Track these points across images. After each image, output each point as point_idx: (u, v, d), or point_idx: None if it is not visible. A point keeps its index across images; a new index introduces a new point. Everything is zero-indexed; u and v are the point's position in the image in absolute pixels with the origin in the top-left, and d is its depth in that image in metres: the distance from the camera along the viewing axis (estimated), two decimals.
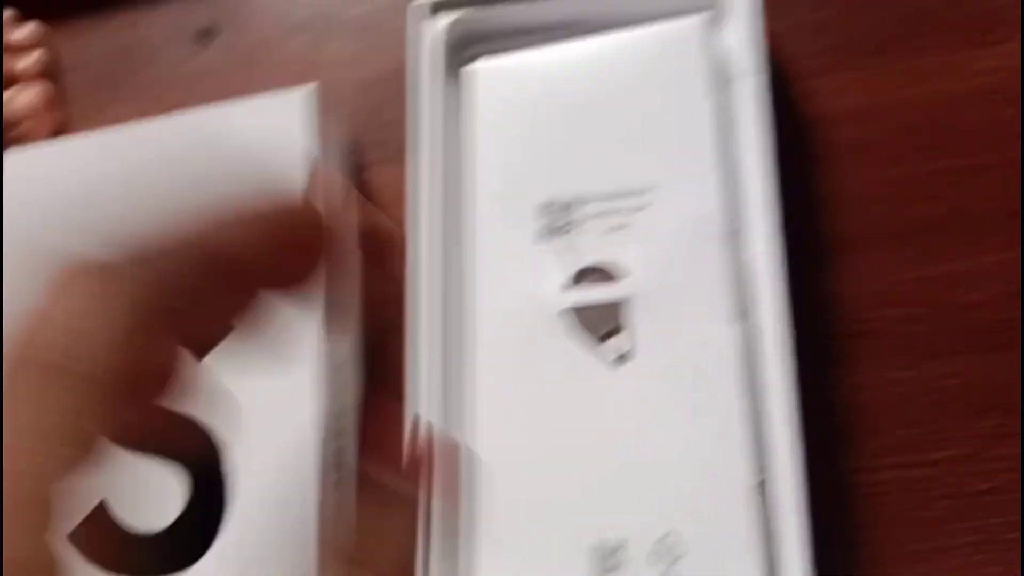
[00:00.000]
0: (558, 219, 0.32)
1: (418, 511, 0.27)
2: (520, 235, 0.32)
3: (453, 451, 0.28)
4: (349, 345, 0.34)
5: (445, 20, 0.36)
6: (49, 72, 0.44)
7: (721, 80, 0.33)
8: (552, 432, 0.29)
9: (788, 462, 0.28)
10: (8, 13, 0.45)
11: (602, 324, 0.30)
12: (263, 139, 0.36)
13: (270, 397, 0.31)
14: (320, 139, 0.36)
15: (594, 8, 0.35)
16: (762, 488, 0.28)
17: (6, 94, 0.43)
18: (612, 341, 0.30)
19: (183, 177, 0.36)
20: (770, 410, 0.29)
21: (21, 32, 0.44)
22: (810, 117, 0.36)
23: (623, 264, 0.31)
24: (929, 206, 0.34)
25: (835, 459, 0.32)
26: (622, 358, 0.30)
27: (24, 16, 0.45)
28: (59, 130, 0.43)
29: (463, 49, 0.36)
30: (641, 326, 0.30)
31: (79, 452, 0.20)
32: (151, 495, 0.32)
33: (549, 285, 0.31)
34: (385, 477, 0.26)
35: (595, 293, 0.31)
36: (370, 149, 0.40)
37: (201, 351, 0.23)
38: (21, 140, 0.42)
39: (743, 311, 0.30)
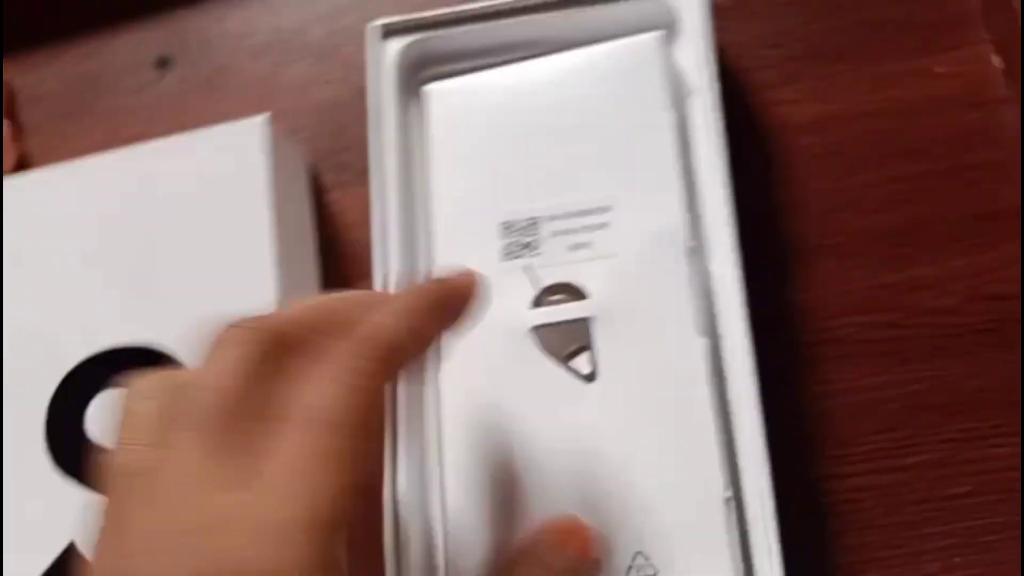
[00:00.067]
0: (521, 238, 0.32)
1: None
2: (484, 255, 0.32)
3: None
4: None
5: (402, 42, 0.35)
6: (8, 107, 0.44)
7: (677, 96, 0.33)
8: (519, 451, 0.29)
9: (758, 474, 0.28)
10: None
11: (568, 343, 0.30)
12: (222, 167, 0.36)
13: None
14: (279, 165, 0.36)
15: (549, 28, 0.35)
16: (732, 502, 0.27)
17: None
18: (578, 359, 0.30)
19: (148, 206, 0.36)
20: (739, 423, 0.29)
21: None
22: (771, 127, 0.36)
23: (587, 282, 0.31)
24: (892, 212, 0.34)
25: (806, 468, 0.32)
26: (589, 376, 0.30)
27: None
28: (21, 163, 0.43)
29: (421, 70, 0.36)
30: (607, 344, 0.30)
31: None
32: None
33: (514, 304, 0.31)
34: None
35: (560, 311, 0.30)
36: (331, 171, 0.39)
37: None
38: None
39: (708, 325, 0.30)
